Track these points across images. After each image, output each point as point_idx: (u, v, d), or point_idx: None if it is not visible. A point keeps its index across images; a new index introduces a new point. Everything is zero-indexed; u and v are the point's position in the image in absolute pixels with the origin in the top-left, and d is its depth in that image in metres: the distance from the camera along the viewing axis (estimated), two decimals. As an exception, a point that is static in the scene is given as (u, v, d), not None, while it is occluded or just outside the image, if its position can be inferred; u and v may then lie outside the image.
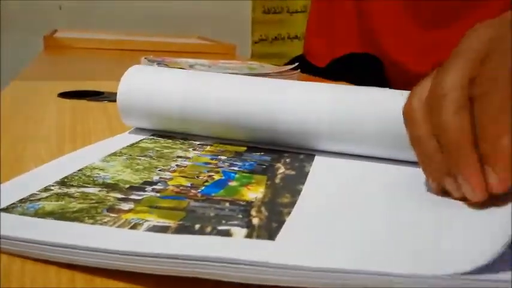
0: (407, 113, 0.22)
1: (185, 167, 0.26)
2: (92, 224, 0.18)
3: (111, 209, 0.19)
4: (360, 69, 0.73)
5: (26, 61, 0.81)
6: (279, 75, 0.57)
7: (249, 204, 0.20)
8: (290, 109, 0.28)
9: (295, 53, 0.95)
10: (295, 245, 0.16)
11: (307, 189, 0.23)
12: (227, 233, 0.17)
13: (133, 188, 0.22)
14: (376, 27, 0.70)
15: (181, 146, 0.30)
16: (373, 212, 0.20)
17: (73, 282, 0.15)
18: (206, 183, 0.23)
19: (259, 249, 0.16)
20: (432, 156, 0.21)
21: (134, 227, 0.17)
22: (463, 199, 0.20)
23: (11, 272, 0.16)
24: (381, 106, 0.27)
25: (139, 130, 0.33)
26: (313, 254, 0.15)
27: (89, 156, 0.26)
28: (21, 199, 0.20)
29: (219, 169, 0.25)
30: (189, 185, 0.23)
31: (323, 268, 0.14)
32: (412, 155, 0.23)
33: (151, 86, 0.30)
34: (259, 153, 0.29)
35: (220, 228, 0.17)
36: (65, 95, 0.46)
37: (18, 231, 0.17)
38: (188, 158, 0.27)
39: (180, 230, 0.17)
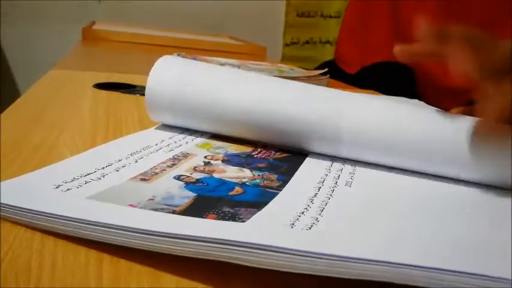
0: None
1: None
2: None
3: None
4: (390, 78, 0.72)
5: (65, 51, 0.84)
6: (308, 79, 0.58)
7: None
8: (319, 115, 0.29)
9: (326, 57, 0.95)
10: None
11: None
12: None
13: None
14: (410, 37, 0.69)
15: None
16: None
17: (100, 262, 0.16)
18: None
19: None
20: None
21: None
22: None
23: (44, 247, 0.17)
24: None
25: (167, 125, 0.34)
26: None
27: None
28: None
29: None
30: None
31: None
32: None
33: (178, 84, 0.31)
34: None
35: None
36: (99, 86, 0.48)
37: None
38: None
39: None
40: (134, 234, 0.16)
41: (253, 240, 0.15)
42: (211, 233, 0.16)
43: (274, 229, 0.18)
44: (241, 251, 0.15)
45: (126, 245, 0.17)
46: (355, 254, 0.14)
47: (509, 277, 0.13)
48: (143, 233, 0.16)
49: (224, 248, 0.15)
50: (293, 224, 0.18)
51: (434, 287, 0.14)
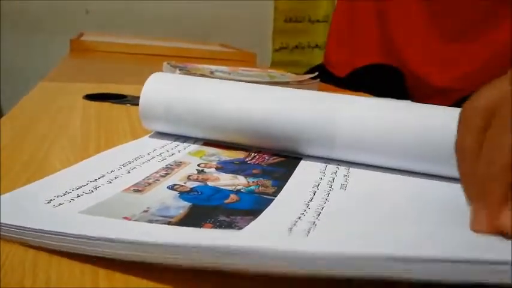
0: (461, 150, 0.20)
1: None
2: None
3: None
4: (380, 80, 0.73)
5: (53, 63, 0.84)
6: (299, 84, 0.58)
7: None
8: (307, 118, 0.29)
9: (315, 62, 0.95)
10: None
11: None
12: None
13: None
14: (398, 39, 0.70)
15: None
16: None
17: (96, 276, 0.16)
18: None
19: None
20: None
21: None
22: None
23: (37, 264, 0.16)
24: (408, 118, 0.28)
25: (160, 134, 0.33)
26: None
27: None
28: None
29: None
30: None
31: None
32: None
33: (172, 93, 0.31)
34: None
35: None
36: (90, 97, 0.47)
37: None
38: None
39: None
40: (130, 246, 0.16)
41: (252, 245, 0.15)
42: (209, 240, 0.16)
43: (272, 235, 0.18)
44: (240, 257, 0.15)
45: (122, 258, 0.16)
46: (353, 253, 0.14)
47: (510, 258, 0.13)
48: (139, 245, 0.16)
49: (222, 255, 0.15)
50: (291, 229, 0.18)
51: (436, 279, 0.14)
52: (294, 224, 0.19)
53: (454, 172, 0.27)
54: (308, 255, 0.14)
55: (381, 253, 0.14)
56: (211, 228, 0.18)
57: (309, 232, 0.18)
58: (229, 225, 0.19)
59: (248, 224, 0.19)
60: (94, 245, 0.16)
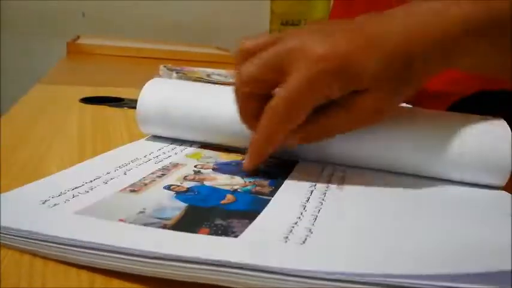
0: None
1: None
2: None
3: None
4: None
5: (51, 65, 0.83)
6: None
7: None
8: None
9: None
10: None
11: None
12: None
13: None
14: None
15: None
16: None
17: (92, 279, 0.16)
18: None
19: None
20: None
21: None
22: None
23: (33, 270, 0.16)
24: None
25: (157, 137, 0.33)
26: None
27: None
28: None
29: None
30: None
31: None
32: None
33: (169, 98, 0.32)
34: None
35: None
36: (86, 100, 0.47)
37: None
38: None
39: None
40: (125, 258, 0.16)
41: (247, 261, 0.15)
42: (204, 253, 0.15)
43: (267, 245, 0.17)
44: (235, 273, 0.15)
45: (117, 269, 0.16)
46: (352, 269, 0.14)
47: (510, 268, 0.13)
48: (134, 256, 0.16)
49: (218, 271, 0.15)
50: (287, 237, 0.18)
51: None
52: (290, 231, 0.18)
53: (452, 173, 0.27)
54: (301, 274, 0.14)
55: (376, 272, 0.14)
56: (208, 234, 0.18)
57: (304, 242, 0.18)
58: (225, 231, 0.18)
59: (244, 229, 0.19)
60: (87, 255, 0.16)
